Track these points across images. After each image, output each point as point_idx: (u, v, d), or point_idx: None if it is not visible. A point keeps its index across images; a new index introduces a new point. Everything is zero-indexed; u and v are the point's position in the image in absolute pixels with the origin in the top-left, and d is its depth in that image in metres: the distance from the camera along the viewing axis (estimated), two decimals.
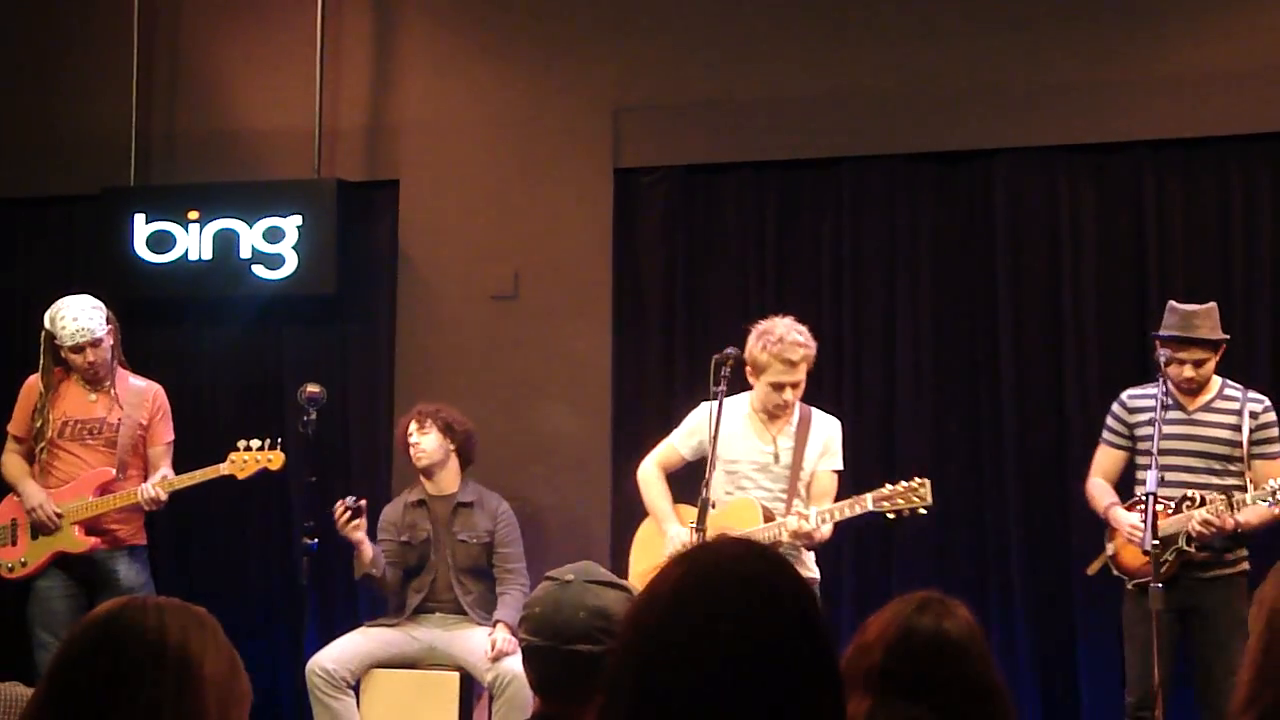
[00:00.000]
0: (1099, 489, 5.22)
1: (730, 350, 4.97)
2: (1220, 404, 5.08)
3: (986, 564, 6.08)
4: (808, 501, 5.15)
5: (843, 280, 6.30)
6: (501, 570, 5.84)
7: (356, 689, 5.73)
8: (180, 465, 5.71)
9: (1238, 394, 5.10)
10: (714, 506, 4.94)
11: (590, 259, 6.52)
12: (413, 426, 5.87)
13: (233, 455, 5.55)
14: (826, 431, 5.21)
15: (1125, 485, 5.24)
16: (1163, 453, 5.01)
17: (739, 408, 5.21)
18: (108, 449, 5.58)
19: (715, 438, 4.95)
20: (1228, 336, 5.10)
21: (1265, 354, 5.87)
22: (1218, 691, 4.89)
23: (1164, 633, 4.89)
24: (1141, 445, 5.14)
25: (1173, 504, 4.94)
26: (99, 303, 5.59)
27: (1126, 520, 5.04)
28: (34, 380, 5.64)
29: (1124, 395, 5.24)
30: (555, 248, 6.55)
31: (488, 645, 5.61)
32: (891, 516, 4.98)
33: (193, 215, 6.81)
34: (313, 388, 5.43)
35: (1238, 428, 5.02)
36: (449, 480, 5.93)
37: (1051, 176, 6.12)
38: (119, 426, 5.57)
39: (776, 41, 6.42)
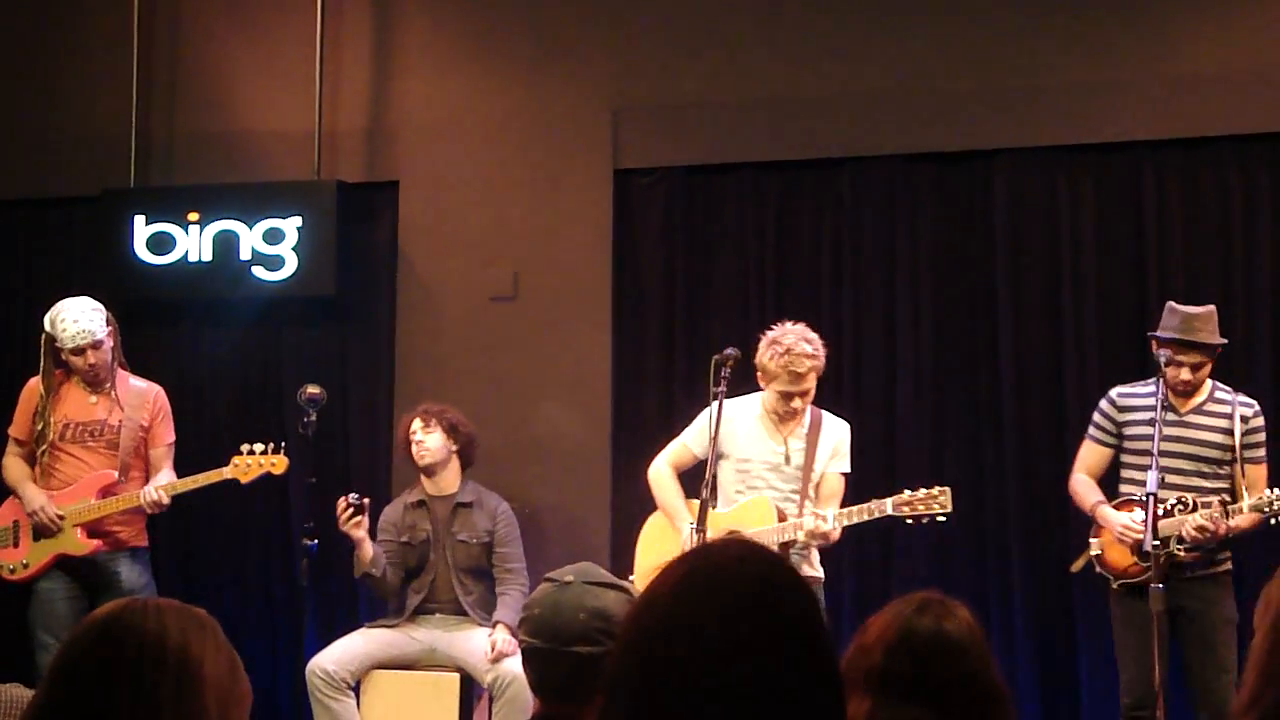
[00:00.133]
0: (1084, 485, 5.22)
1: (730, 351, 4.98)
2: (1212, 407, 5.08)
3: (986, 564, 6.08)
4: (816, 503, 5.16)
5: (843, 281, 6.30)
6: (501, 571, 5.84)
7: (356, 690, 5.73)
8: (180, 466, 5.71)
9: (1228, 397, 5.10)
10: (714, 507, 4.95)
11: (590, 260, 6.52)
12: (417, 424, 5.87)
13: (236, 459, 5.54)
14: (837, 435, 5.24)
15: (1105, 483, 5.24)
16: (1157, 453, 5.02)
17: (751, 408, 5.23)
18: (109, 451, 5.57)
19: (715, 439, 4.97)
20: (1225, 341, 5.10)
21: (1265, 354, 5.88)
22: (1210, 690, 4.90)
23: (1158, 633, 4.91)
24: (1128, 444, 5.15)
25: (1164, 506, 4.95)
26: (99, 304, 5.58)
27: (1117, 520, 5.04)
28: (35, 383, 5.64)
29: (1114, 393, 5.23)
30: (555, 249, 6.55)
31: (488, 646, 5.61)
32: (911, 522, 5.00)
33: (193, 217, 6.81)
34: (312, 389, 5.43)
35: (1229, 431, 5.03)
36: (449, 481, 5.93)
37: (1051, 176, 6.12)
38: (120, 428, 5.57)
39: (776, 42, 6.42)
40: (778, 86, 6.40)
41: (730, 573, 1.69)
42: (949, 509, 4.98)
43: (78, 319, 5.48)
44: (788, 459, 5.18)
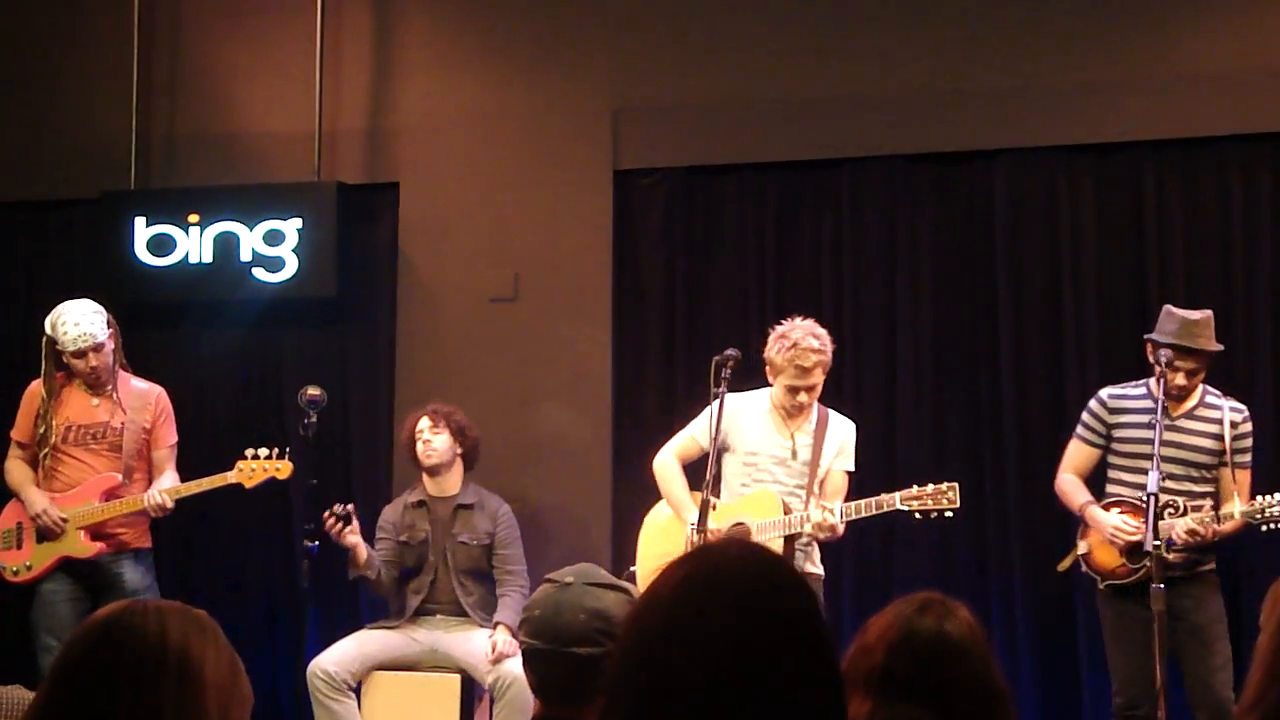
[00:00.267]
0: (1072, 485, 5.23)
1: (730, 351, 4.99)
2: (1203, 412, 5.08)
3: (987, 564, 6.08)
4: (821, 499, 5.17)
5: (843, 281, 6.30)
6: (501, 572, 5.84)
7: (357, 691, 5.73)
8: (181, 468, 5.71)
9: (1219, 402, 5.10)
10: (715, 508, 4.96)
11: (590, 260, 6.52)
12: (425, 423, 5.87)
13: (240, 464, 5.53)
14: (843, 433, 5.26)
15: (1090, 483, 5.26)
16: (1145, 457, 5.02)
17: (760, 403, 5.25)
18: (112, 453, 5.57)
19: (715, 438, 4.98)
20: (1222, 347, 5.10)
21: (1265, 354, 5.88)
22: (1209, 687, 4.90)
23: (1148, 633, 4.92)
24: (1116, 446, 5.16)
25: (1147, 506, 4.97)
26: (99, 307, 5.57)
27: (1108, 521, 5.05)
28: (36, 386, 5.63)
29: (1104, 394, 5.23)
30: (555, 249, 6.55)
31: (488, 647, 5.61)
32: (918, 518, 5.00)
33: (193, 218, 6.81)
34: (313, 390, 5.43)
35: (1219, 437, 5.03)
36: (451, 482, 5.94)
37: (1051, 177, 6.13)
38: (122, 430, 5.56)
39: (776, 43, 6.42)
40: (778, 87, 6.40)
41: (731, 573, 1.70)
42: (957, 505, 4.99)
43: (79, 322, 5.47)
44: (794, 454, 5.19)
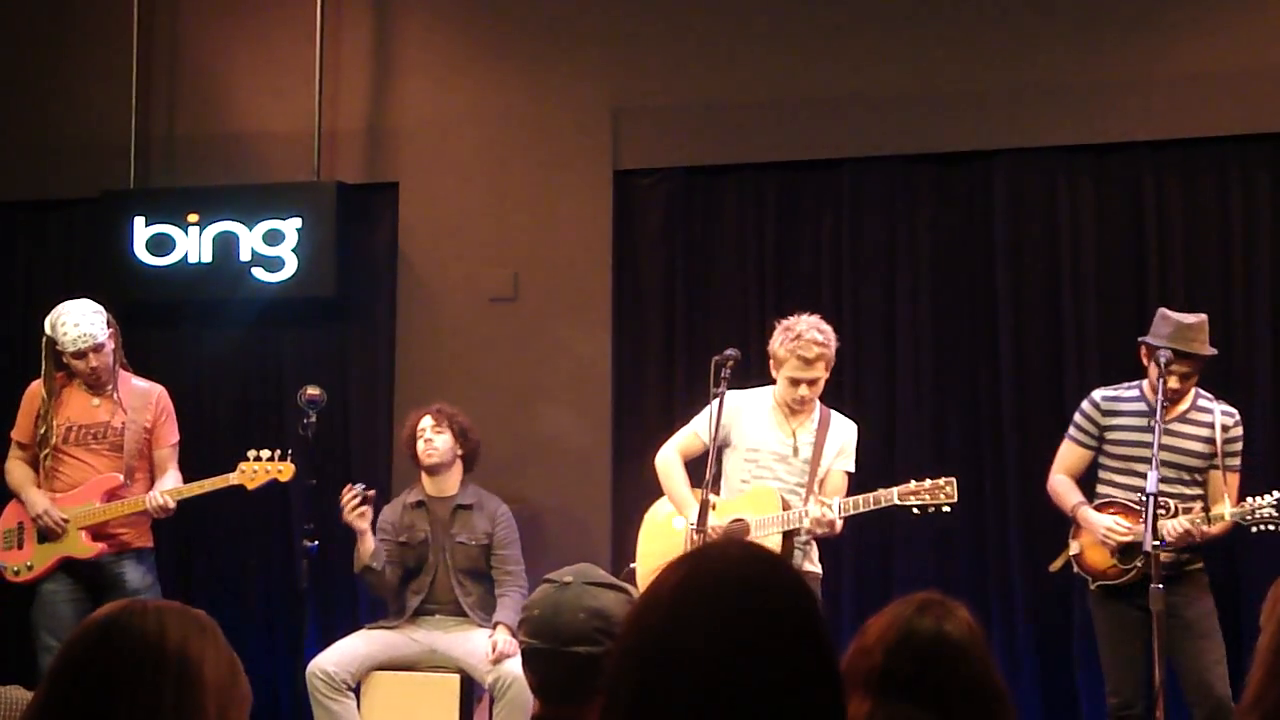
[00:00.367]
0: (1064, 486, 5.24)
1: (730, 352, 4.99)
2: (1195, 415, 5.08)
3: (986, 564, 6.08)
4: (819, 497, 5.17)
5: (842, 281, 6.30)
6: (500, 572, 5.84)
7: (357, 691, 5.73)
8: (181, 467, 5.70)
9: (1211, 405, 5.10)
10: (714, 508, 4.96)
11: (590, 261, 6.52)
12: (428, 421, 5.87)
13: (242, 465, 5.52)
14: (844, 434, 5.27)
15: (1082, 484, 5.27)
16: (1136, 459, 5.05)
17: (763, 400, 5.27)
18: (113, 453, 5.56)
19: (715, 438, 4.98)
20: (1215, 352, 5.10)
21: (1265, 354, 5.88)
22: (1208, 683, 4.91)
23: (1141, 633, 4.95)
24: (1108, 448, 5.17)
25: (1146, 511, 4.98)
26: (99, 307, 5.56)
27: (1101, 522, 5.06)
28: (36, 386, 5.61)
29: (1097, 395, 5.24)
30: (555, 250, 6.55)
31: (488, 647, 5.61)
32: (916, 513, 5.00)
33: (192, 218, 6.81)
34: (312, 390, 5.43)
35: (1210, 440, 5.04)
36: (450, 482, 5.94)
37: (1051, 177, 6.13)
38: (123, 430, 5.55)
39: (776, 43, 6.42)
40: (777, 87, 6.40)
41: (730, 573, 1.70)
42: (954, 499, 4.98)
43: (78, 322, 5.46)
44: (796, 451, 5.20)
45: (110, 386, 5.57)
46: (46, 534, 5.49)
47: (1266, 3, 5.98)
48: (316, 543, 5.35)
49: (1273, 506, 4.87)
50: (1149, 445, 5.00)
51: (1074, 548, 5.18)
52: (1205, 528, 4.90)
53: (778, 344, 5.17)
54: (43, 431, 5.54)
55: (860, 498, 5.07)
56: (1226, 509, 4.91)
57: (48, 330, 5.52)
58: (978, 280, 6.19)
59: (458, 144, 6.73)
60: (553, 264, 6.55)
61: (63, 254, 7.18)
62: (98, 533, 5.50)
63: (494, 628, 5.69)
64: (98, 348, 5.47)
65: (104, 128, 7.05)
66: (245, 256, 6.75)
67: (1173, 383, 4.98)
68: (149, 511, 5.50)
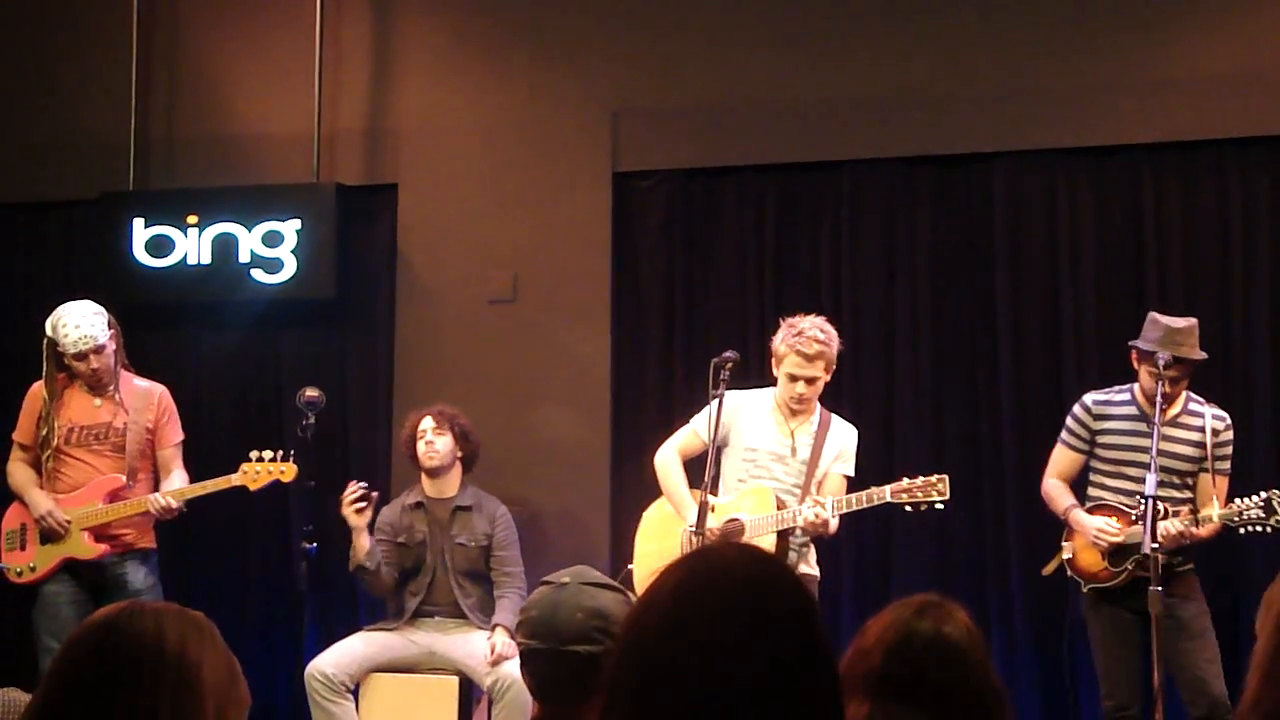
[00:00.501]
0: (1057, 490, 5.25)
1: (729, 354, 4.99)
2: (1185, 419, 5.09)
3: (985, 566, 6.08)
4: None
5: (842, 284, 6.30)
6: (499, 574, 5.84)
7: (355, 693, 5.73)
8: None
9: (1201, 409, 5.11)
10: (714, 510, 4.96)
11: (589, 263, 6.52)
12: (429, 423, 5.87)
13: (245, 466, 5.51)
14: (844, 438, 5.27)
15: (1076, 487, 5.28)
16: (1127, 463, 5.08)
17: (763, 400, 5.26)
18: (115, 454, 5.54)
19: (715, 440, 4.97)
20: (1205, 356, 5.10)
21: (1265, 356, 5.88)
22: (1205, 681, 4.91)
23: (1135, 635, 4.96)
24: (1100, 452, 5.18)
25: (1135, 513, 5.00)
26: (100, 308, 5.55)
27: (1092, 524, 5.07)
28: (38, 388, 5.60)
29: (1088, 399, 5.25)
30: (554, 252, 6.55)
31: (487, 649, 5.61)
32: (909, 510, 5.00)
33: (192, 220, 6.81)
34: (311, 392, 5.43)
35: (1200, 444, 5.04)
36: (450, 484, 5.94)
37: (1050, 179, 6.13)
38: (125, 431, 5.54)
39: (775, 45, 6.42)
40: (777, 90, 6.40)
41: (729, 574, 1.70)
42: (946, 496, 4.97)
43: (79, 324, 5.45)
44: (794, 451, 5.19)
45: (112, 387, 5.56)
46: (49, 535, 5.47)
47: (1265, 5, 5.99)
48: (315, 544, 5.35)
49: (1259, 508, 4.87)
50: (1139, 449, 5.04)
51: (1067, 551, 5.19)
52: (1194, 530, 4.90)
53: (779, 340, 5.17)
54: (44, 433, 5.53)
55: (853, 496, 5.07)
56: (1215, 511, 4.92)
57: (49, 332, 5.51)
58: (977, 283, 6.19)
59: (457, 146, 6.73)
60: (552, 266, 6.55)
61: (62, 255, 7.18)
62: (100, 534, 5.49)
63: (493, 630, 5.69)
64: (99, 349, 5.46)
65: (103, 129, 7.05)
66: (244, 258, 6.75)
67: (1163, 386, 4.99)
68: (153, 512, 5.48)
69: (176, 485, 5.54)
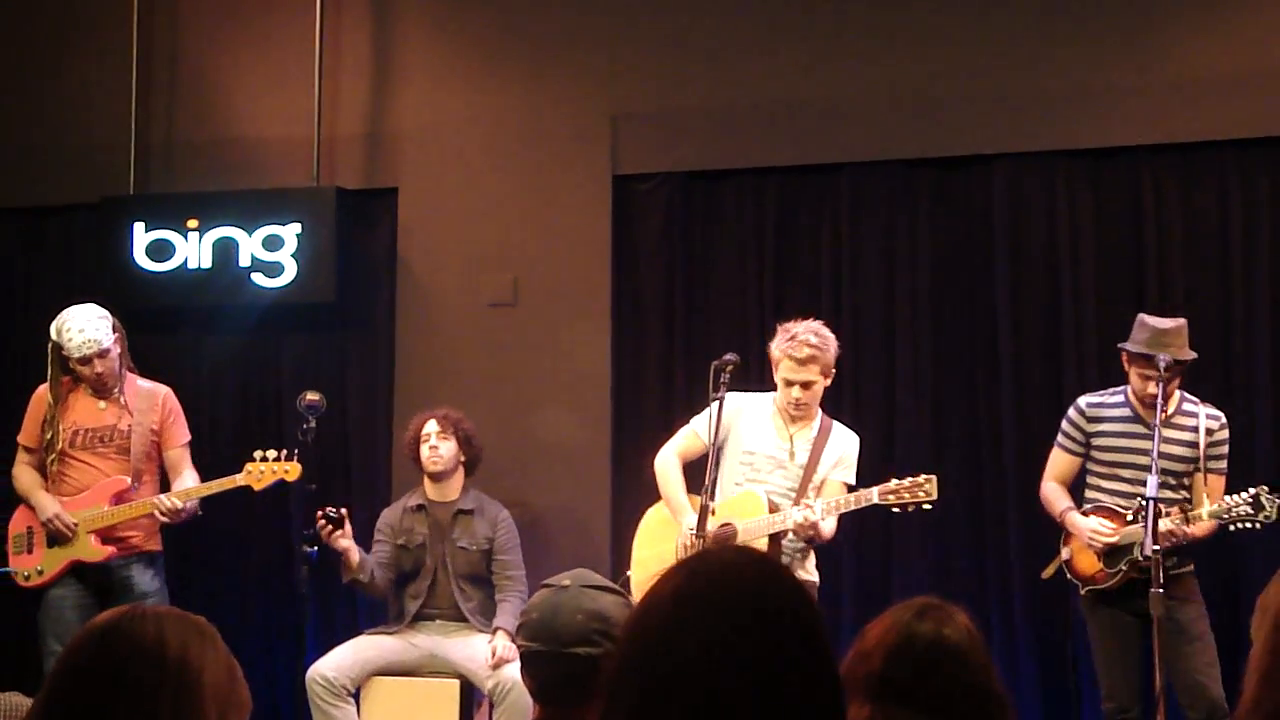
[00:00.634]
0: (1054, 493, 5.26)
1: (729, 356, 4.97)
2: (1179, 419, 5.09)
3: (986, 568, 6.08)
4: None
5: (842, 286, 6.30)
6: (500, 577, 5.84)
7: (356, 697, 5.73)
8: None
9: (1195, 409, 5.11)
10: (714, 513, 4.95)
11: (589, 265, 6.52)
12: (434, 426, 5.86)
13: (249, 466, 5.49)
14: (844, 445, 5.24)
15: (1074, 490, 5.28)
16: (1122, 465, 5.08)
17: (764, 404, 5.25)
18: (119, 456, 5.53)
19: (715, 442, 4.96)
20: (1195, 356, 5.10)
21: (1265, 358, 5.88)
22: (1203, 685, 4.91)
23: (1133, 637, 4.96)
24: (1095, 454, 5.19)
25: (1128, 514, 5.02)
26: (105, 312, 5.53)
27: (1085, 526, 5.08)
28: (43, 391, 5.59)
29: (1082, 402, 5.26)
30: (554, 255, 6.56)
31: (488, 652, 5.61)
32: (896, 511, 4.98)
33: (192, 224, 6.82)
34: (312, 395, 5.42)
35: (1194, 444, 5.04)
36: (452, 487, 5.94)
37: (1050, 181, 6.13)
38: (130, 433, 5.53)
39: (775, 47, 6.43)
40: (777, 92, 6.41)
41: (729, 577, 1.70)
42: (934, 497, 4.94)
43: (83, 328, 5.44)
44: (792, 455, 5.18)
45: (116, 390, 5.56)
46: (56, 538, 5.47)
47: (1265, 7, 5.99)
48: (316, 548, 5.35)
49: (1247, 504, 4.87)
50: (1133, 450, 5.05)
51: (1065, 554, 5.20)
52: (1186, 528, 4.90)
53: (774, 345, 5.17)
54: (49, 437, 5.53)
55: (841, 498, 5.04)
56: (1205, 509, 4.92)
57: (54, 335, 5.50)
58: (977, 285, 6.19)
59: (457, 149, 6.73)
60: (552, 269, 6.55)
61: (62, 260, 7.18)
62: (107, 536, 5.47)
63: (494, 633, 5.69)
64: (103, 353, 5.46)
65: (104, 133, 7.05)
66: (245, 262, 6.75)
67: (1151, 388, 5.00)
68: (160, 514, 5.46)
69: (191, 485, 5.52)
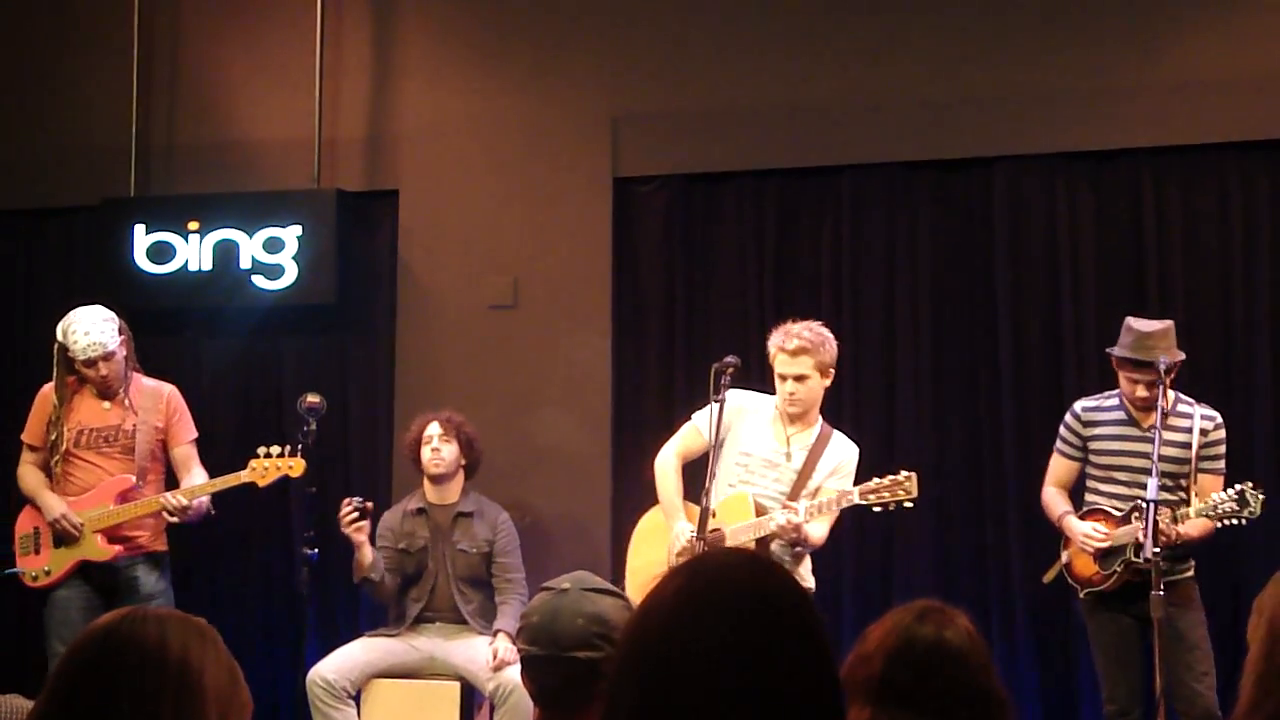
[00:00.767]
0: (1053, 497, 5.27)
1: (730, 359, 4.95)
2: (1174, 421, 5.08)
3: (986, 568, 6.09)
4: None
5: (842, 288, 6.30)
6: (501, 580, 5.84)
7: (357, 699, 5.72)
8: None
9: (1190, 410, 5.11)
10: (714, 516, 4.93)
11: (589, 268, 6.52)
12: (436, 429, 5.86)
13: (253, 463, 5.49)
14: (843, 453, 5.18)
15: (1074, 494, 5.29)
16: (1117, 468, 5.09)
17: (766, 406, 5.22)
18: (124, 456, 5.52)
19: (715, 445, 4.94)
20: (1183, 356, 5.10)
21: (1265, 360, 5.88)
22: (1196, 693, 4.92)
23: (1134, 640, 4.95)
24: (1092, 458, 5.20)
25: (1122, 514, 5.03)
26: (111, 314, 5.53)
27: (1079, 529, 5.09)
28: (48, 390, 5.58)
29: (1078, 406, 5.27)
30: (554, 257, 6.56)
31: (489, 655, 5.61)
32: (877, 510, 4.95)
33: (193, 226, 6.82)
34: (312, 398, 5.42)
35: (1189, 445, 5.04)
36: (452, 490, 5.94)
37: (1050, 183, 6.13)
38: (134, 433, 5.53)
39: (775, 50, 6.43)
40: (777, 94, 6.41)
41: (729, 580, 1.70)
42: (914, 495, 4.88)
43: (89, 330, 5.44)
44: (789, 457, 5.14)
45: (121, 391, 5.56)
46: (63, 538, 5.47)
47: (1265, 9, 5.99)
48: (316, 550, 5.35)
49: (1233, 500, 4.87)
50: (1128, 453, 5.07)
51: (1065, 558, 5.20)
52: (1177, 528, 4.89)
53: (769, 342, 5.16)
54: (54, 438, 5.53)
55: (824, 500, 5.00)
56: (1193, 507, 4.92)
57: (59, 336, 5.50)
58: (978, 287, 6.19)
59: (458, 151, 6.74)
60: (552, 271, 6.56)
61: (63, 262, 7.18)
62: (113, 536, 5.47)
63: (494, 635, 5.69)
64: (108, 356, 5.46)
65: (104, 135, 7.05)
66: (245, 264, 6.75)
67: (1139, 391, 5.01)
68: (166, 511, 5.44)
69: (200, 483, 5.52)
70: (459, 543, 5.85)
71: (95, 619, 2.02)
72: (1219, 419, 5.12)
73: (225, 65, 7.06)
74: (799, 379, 5.08)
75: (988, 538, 6.08)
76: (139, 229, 6.85)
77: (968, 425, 6.16)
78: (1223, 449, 5.11)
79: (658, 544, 5.21)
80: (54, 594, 5.49)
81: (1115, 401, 5.18)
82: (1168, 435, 5.05)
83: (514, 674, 5.43)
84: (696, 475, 5.22)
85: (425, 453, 5.87)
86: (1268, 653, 2.12)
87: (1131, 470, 5.05)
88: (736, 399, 5.04)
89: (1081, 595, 5.16)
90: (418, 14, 6.91)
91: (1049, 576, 5.32)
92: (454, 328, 6.67)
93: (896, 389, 6.22)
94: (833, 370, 5.16)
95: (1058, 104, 6.10)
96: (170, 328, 6.88)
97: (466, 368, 6.60)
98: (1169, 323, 5.11)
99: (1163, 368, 4.95)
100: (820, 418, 5.20)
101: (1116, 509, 5.06)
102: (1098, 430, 5.18)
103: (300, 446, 5.49)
